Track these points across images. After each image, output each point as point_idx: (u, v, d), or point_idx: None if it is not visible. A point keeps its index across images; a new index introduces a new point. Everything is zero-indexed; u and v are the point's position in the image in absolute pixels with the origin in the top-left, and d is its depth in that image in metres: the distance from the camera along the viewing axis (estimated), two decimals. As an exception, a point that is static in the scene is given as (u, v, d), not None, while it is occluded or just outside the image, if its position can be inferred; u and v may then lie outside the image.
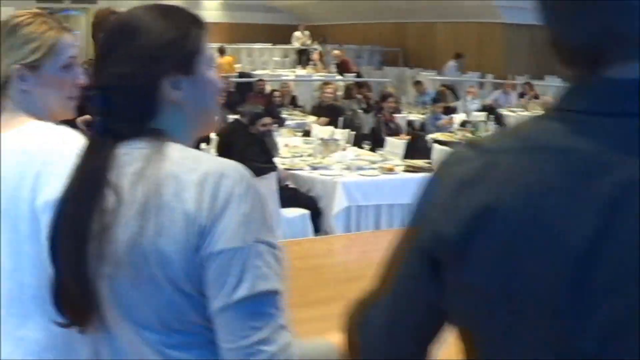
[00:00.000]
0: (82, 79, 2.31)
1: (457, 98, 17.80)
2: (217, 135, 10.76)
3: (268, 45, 27.67)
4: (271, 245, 1.54)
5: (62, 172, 1.94)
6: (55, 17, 2.33)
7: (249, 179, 1.59)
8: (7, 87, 2.21)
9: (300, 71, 22.39)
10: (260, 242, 1.52)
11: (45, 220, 1.96)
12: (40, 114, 2.22)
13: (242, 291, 1.49)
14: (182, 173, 1.54)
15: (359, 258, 7.82)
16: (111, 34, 1.70)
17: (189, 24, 1.72)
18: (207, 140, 11.22)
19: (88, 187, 1.60)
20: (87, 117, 4.85)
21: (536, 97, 17.07)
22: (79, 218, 1.60)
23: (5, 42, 2.23)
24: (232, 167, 1.58)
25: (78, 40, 2.36)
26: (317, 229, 8.33)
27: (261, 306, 1.50)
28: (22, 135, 2.13)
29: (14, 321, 2.11)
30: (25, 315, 2.10)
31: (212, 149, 10.31)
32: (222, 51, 21.40)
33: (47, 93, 2.24)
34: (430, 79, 20.04)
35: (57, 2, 29.91)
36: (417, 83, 18.16)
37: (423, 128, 13.15)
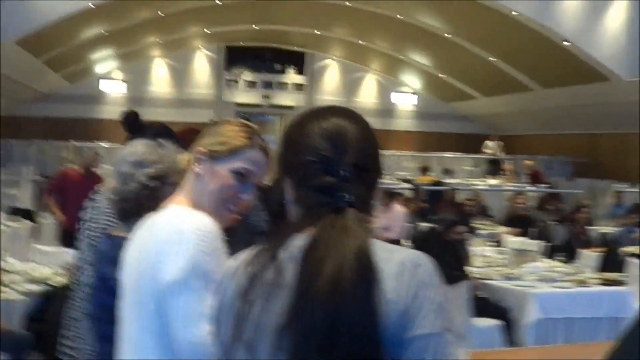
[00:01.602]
0: (249, 200, 2.50)
1: None
2: (412, 241, 10.94)
3: (459, 154, 27.81)
4: (454, 337, 1.68)
5: (179, 253, 2.18)
6: (260, 136, 2.54)
7: (436, 269, 1.69)
8: (192, 166, 2.49)
9: (491, 181, 22.36)
10: (449, 331, 1.64)
11: (169, 303, 2.19)
12: (199, 201, 2.44)
13: None
14: (379, 262, 1.62)
15: (550, 372, 7.75)
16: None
17: None
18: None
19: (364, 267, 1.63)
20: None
21: None
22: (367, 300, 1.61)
23: (212, 129, 2.54)
24: (424, 257, 1.69)
25: (266, 167, 2.53)
26: (509, 340, 8.28)
27: None
28: (161, 216, 2.36)
29: None
30: None
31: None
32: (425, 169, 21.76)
33: (209, 185, 2.44)
34: (625, 191, 19.58)
35: (255, 107, 31.24)
36: (617, 193, 17.83)
37: (617, 241, 12.90)
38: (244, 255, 1.79)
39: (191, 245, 2.19)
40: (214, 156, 2.45)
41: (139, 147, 3.09)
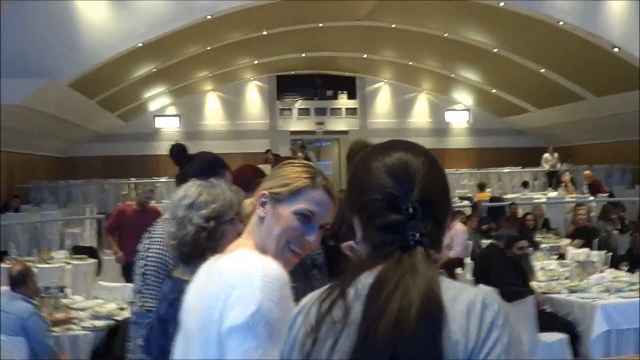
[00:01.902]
0: (314, 241, 2.41)
1: None
2: (473, 259, 10.84)
3: (517, 169, 27.62)
4: None
5: (245, 299, 2.07)
6: (323, 176, 2.45)
7: (506, 308, 1.65)
8: (256, 209, 2.42)
9: (551, 193, 22.12)
10: None
11: (230, 347, 2.09)
12: (264, 244, 2.37)
13: None
14: (447, 302, 1.59)
15: (620, 384, 7.60)
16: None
17: None
18: (461, 264, 11.38)
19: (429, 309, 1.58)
20: (351, 242, 5.16)
21: None
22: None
23: (274, 171, 2.48)
24: (492, 297, 1.64)
25: (331, 207, 2.44)
26: (576, 353, 8.13)
27: None
28: (228, 260, 2.26)
29: None
30: None
31: (467, 273, 10.42)
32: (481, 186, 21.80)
33: (273, 227, 2.37)
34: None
35: (309, 134, 31.39)
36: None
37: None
38: (316, 292, 1.76)
39: (258, 292, 2.09)
40: (277, 198, 2.38)
41: (192, 189, 3.10)
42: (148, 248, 3.71)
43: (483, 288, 1.48)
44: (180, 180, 3.86)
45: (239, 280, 2.13)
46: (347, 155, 5.66)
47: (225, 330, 2.10)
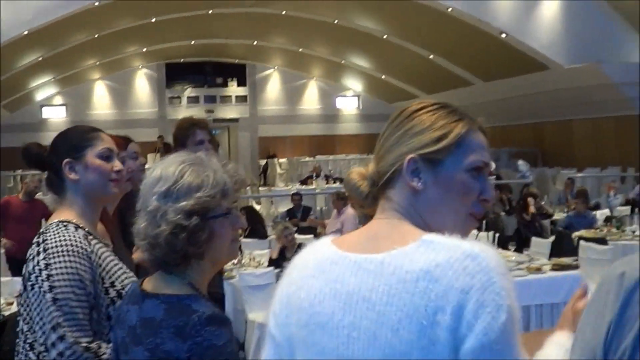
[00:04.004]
0: (492, 195, 1.82)
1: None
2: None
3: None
4: None
5: (494, 304, 1.50)
6: (467, 112, 1.85)
7: None
8: (392, 183, 1.76)
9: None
10: None
11: None
12: (428, 224, 1.72)
13: None
14: None
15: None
16: None
17: None
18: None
19: None
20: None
21: (680, 188, 16.67)
22: None
23: (400, 129, 1.81)
24: None
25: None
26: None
27: None
28: (418, 255, 1.59)
29: None
30: None
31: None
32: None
33: (444, 199, 1.73)
34: (572, 177, 19.85)
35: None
36: (569, 180, 17.96)
37: (568, 226, 13.04)
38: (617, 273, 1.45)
39: (503, 293, 1.50)
40: (435, 159, 1.72)
41: (170, 169, 2.21)
42: (46, 264, 2.62)
43: None
44: (48, 179, 3.03)
45: (472, 281, 1.53)
46: (174, 136, 4.71)
47: (470, 348, 1.50)
